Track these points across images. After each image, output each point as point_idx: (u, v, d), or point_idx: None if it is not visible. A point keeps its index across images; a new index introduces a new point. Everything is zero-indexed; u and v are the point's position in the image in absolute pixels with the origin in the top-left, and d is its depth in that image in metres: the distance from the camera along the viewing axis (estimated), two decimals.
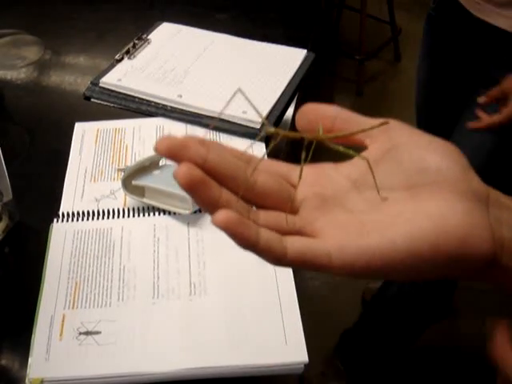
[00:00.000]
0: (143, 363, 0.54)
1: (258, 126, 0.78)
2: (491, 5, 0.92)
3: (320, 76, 2.48)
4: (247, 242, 0.28)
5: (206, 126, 0.80)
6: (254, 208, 0.32)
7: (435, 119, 1.21)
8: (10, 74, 0.94)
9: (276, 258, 0.28)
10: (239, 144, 0.77)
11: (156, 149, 0.29)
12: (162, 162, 0.73)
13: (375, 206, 0.32)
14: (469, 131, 1.01)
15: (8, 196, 0.66)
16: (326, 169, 0.35)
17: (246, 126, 0.79)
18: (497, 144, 1.00)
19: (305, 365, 0.54)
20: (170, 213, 0.67)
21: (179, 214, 0.66)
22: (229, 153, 0.32)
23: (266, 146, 0.77)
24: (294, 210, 0.32)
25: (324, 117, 0.35)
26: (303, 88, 0.91)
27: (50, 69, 0.95)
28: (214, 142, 0.31)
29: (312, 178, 0.34)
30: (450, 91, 1.13)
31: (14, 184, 0.68)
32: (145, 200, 0.68)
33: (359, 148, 0.35)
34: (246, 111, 0.79)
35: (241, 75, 0.88)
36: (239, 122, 0.79)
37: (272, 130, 0.33)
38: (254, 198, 0.32)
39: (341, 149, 0.34)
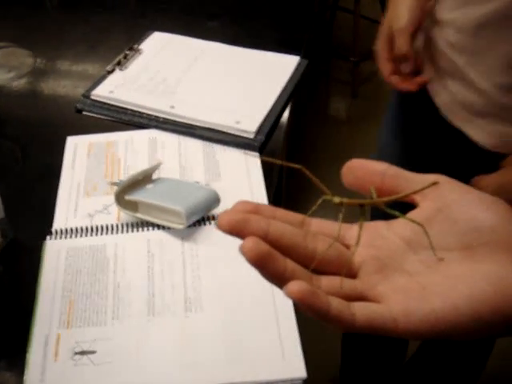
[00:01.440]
0: (139, 382, 0.53)
1: (252, 136, 0.78)
2: (466, 111, 0.79)
3: (315, 79, 2.48)
4: (320, 312, 0.28)
5: (199, 137, 0.79)
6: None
7: None
8: (1, 88, 0.93)
9: (346, 326, 0.29)
10: (234, 154, 0.77)
11: (218, 226, 0.30)
12: (155, 175, 0.72)
13: (432, 268, 0.32)
14: None
15: (0, 214, 0.66)
16: (380, 228, 0.35)
17: (240, 136, 0.78)
18: None
19: (303, 380, 0.53)
20: (164, 227, 0.66)
21: (173, 228, 0.65)
22: (282, 216, 0.33)
23: (260, 155, 0.76)
24: (352, 274, 0.33)
25: (373, 174, 0.35)
26: (297, 94, 0.91)
27: (41, 81, 0.94)
28: (266, 207, 0.32)
29: (366, 238, 0.34)
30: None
31: (7, 200, 0.67)
32: (138, 215, 0.67)
33: (409, 205, 0.36)
34: (239, 121, 0.79)
35: (233, 84, 0.88)
36: (232, 132, 0.78)
37: (337, 200, 0.33)
38: (315, 265, 0.32)
39: (396, 214, 0.34)
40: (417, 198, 0.35)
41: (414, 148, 0.96)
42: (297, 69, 0.92)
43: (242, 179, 0.73)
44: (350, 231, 0.35)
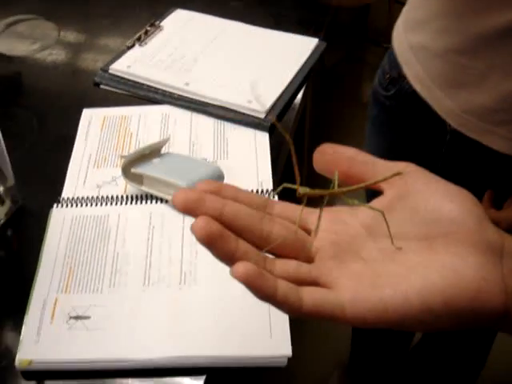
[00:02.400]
0: (130, 349, 0.55)
1: (263, 116, 0.78)
2: (486, 123, 0.68)
3: (347, 63, 2.45)
4: (265, 295, 0.28)
5: (211, 114, 0.80)
6: (271, 256, 0.32)
7: None
8: (25, 59, 0.95)
9: (292, 310, 0.29)
10: (244, 133, 0.77)
11: (172, 202, 0.30)
12: (164, 150, 0.73)
13: (389, 256, 0.32)
14: None
15: (11, 181, 0.68)
16: (342, 214, 0.35)
17: (251, 116, 0.78)
18: None
19: (288, 358, 0.54)
20: (167, 201, 0.67)
21: None
22: (245, 198, 0.33)
23: (270, 136, 0.77)
24: (309, 259, 0.33)
25: (341, 159, 0.35)
26: (318, 76, 0.90)
27: (63, 54, 0.96)
28: (229, 188, 0.33)
29: (328, 224, 0.34)
30: None
31: (20, 168, 0.69)
32: (143, 188, 0.68)
33: (375, 192, 0.35)
34: (251, 100, 0.79)
35: (249, 64, 0.88)
36: (244, 111, 0.79)
37: (302, 191, 0.34)
38: (270, 248, 0.32)
39: (356, 202, 0.34)
40: (383, 185, 0.34)
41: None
42: (314, 51, 0.91)
43: (249, 158, 0.74)
44: (312, 216, 0.34)
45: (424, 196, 0.32)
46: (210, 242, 0.29)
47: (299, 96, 0.85)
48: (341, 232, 0.34)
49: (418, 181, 0.33)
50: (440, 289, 0.29)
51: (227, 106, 0.79)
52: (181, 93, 0.83)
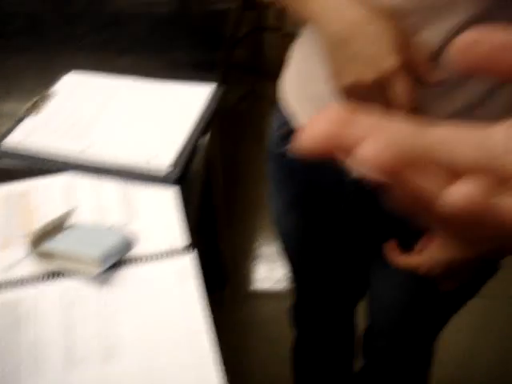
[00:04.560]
0: None
1: (168, 171, 0.77)
2: None
3: (249, 101, 2.49)
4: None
5: (115, 176, 0.78)
6: None
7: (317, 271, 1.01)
8: None
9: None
10: (151, 191, 0.76)
11: (302, 145, 0.20)
12: (71, 221, 0.71)
13: None
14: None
15: None
16: None
17: (156, 172, 0.77)
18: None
19: None
20: (80, 275, 0.65)
21: (89, 275, 0.64)
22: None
23: (178, 189, 0.76)
24: None
25: (503, 47, 0.21)
26: (218, 121, 0.91)
27: None
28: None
29: None
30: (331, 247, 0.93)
31: None
32: (54, 265, 0.65)
33: None
34: (153, 156, 0.78)
35: (148, 119, 0.88)
36: (148, 168, 0.78)
37: None
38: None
39: None
40: None
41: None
42: (212, 97, 0.92)
43: (159, 216, 0.73)
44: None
45: None
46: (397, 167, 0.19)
47: (205, 143, 0.85)
48: None
49: None
50: None
51: (130, 165, 0.78)
52: (82, 158, 0.81)
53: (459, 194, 0.19)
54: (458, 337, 1.55)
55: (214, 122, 0.92)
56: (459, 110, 0.64)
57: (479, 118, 0.64)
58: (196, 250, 0.68)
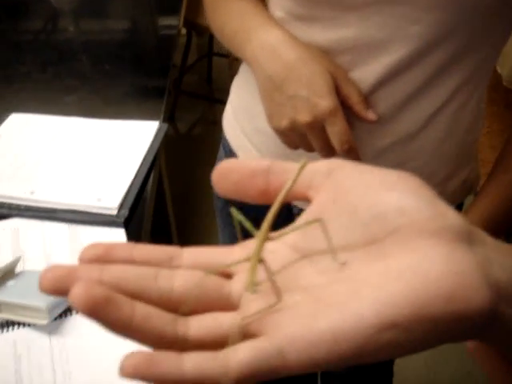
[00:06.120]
0: None
1: (115, 212, 0.78)
2: None
3: (202, 125, 2.51)
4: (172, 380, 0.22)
5: (62, 220, 0.79)
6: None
7: None
8: None
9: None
10: (99, 234, 0.77)
11: (40, 287, 0.23)
12: (19, 268, 0.71)
13: (333, 276, 0.25)
14: None
15: None
16: (268, 243, 0.28)
17: (103, 214, 0.78)
18: None
19: None
20: (29, 324, 0.65)
21: (39, 324, 0.64)
22: (141, 255, 0.26)
23: (126, 231, 0.77)
24: (233, 306, 0.26)
25: (254, 175, 0.28)
26: (169, 151, 0.93)
27: None
28: (121, 248, 0.26)
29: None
30: None
31: None
32: (2, 315, 0.65)
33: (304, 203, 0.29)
34: (100, 198, 0.79)
35: (93, 159, 0.88)
36: (95, 210, 0.78)
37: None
38: (177, 306, 0.25)
39: (287, 231, 0.28)
40: (309, 191, 0.28)
41: None
42: (157, 134, 0.93)
43: None
44: (232, 255, 0.28)
45: (358, 192, 0.26)
46: (96, 311, 0.22)
47: (151, 181, 0.86)
48: (270, 263, 0.27)
49: (347, 176, 0.27)
50: (402, 297, 0.22)
51: (77, 208, 0.79)
52: (27, 203, 0.81)
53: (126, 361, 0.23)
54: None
55: (163, 154, 0.93)
56: (392, 143, 0.68)
57: (412, 152, 0.68)
58: None
